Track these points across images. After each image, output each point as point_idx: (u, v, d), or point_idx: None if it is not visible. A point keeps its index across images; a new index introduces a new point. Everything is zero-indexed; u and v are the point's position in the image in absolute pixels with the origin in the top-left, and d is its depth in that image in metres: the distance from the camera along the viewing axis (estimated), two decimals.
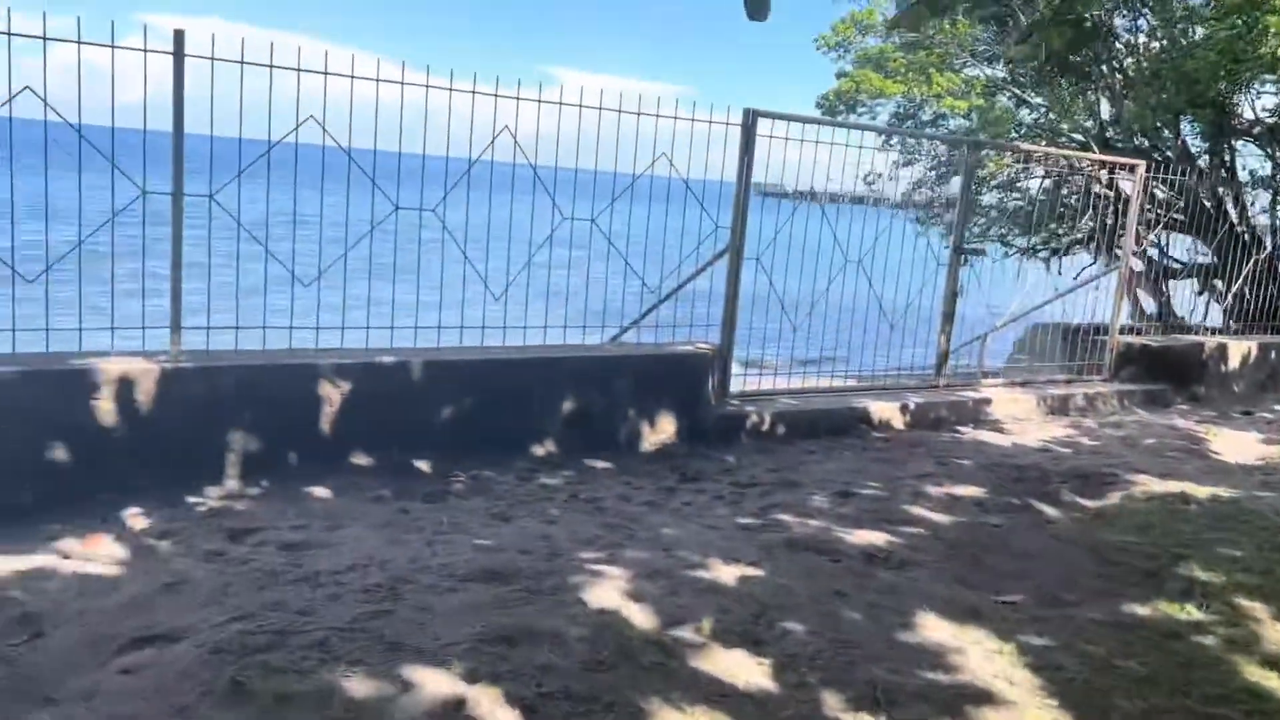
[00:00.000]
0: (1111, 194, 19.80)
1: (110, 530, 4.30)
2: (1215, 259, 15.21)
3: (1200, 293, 15.65)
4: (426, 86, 5.52)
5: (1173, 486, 5.92)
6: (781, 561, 4.20)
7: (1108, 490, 5.87)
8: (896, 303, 7.86)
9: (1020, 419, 7.89)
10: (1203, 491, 5.85)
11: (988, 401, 7.84)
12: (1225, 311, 14.32)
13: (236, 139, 5.12)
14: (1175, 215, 17.92)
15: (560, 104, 5.99)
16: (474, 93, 5.69)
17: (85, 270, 4.96)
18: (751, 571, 4.03)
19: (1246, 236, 14.91)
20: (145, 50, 4.77)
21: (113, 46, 4.72)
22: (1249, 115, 18.39)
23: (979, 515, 5.15)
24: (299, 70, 5.17)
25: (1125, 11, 17.69)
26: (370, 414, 5.37)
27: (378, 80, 5.35)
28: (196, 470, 4.89)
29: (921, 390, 7.84)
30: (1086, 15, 5.42)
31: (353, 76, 5.30)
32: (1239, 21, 13.62)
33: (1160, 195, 18.03)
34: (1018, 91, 18.30)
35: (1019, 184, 21.10)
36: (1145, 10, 16.96)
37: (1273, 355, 9.77)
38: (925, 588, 4.03)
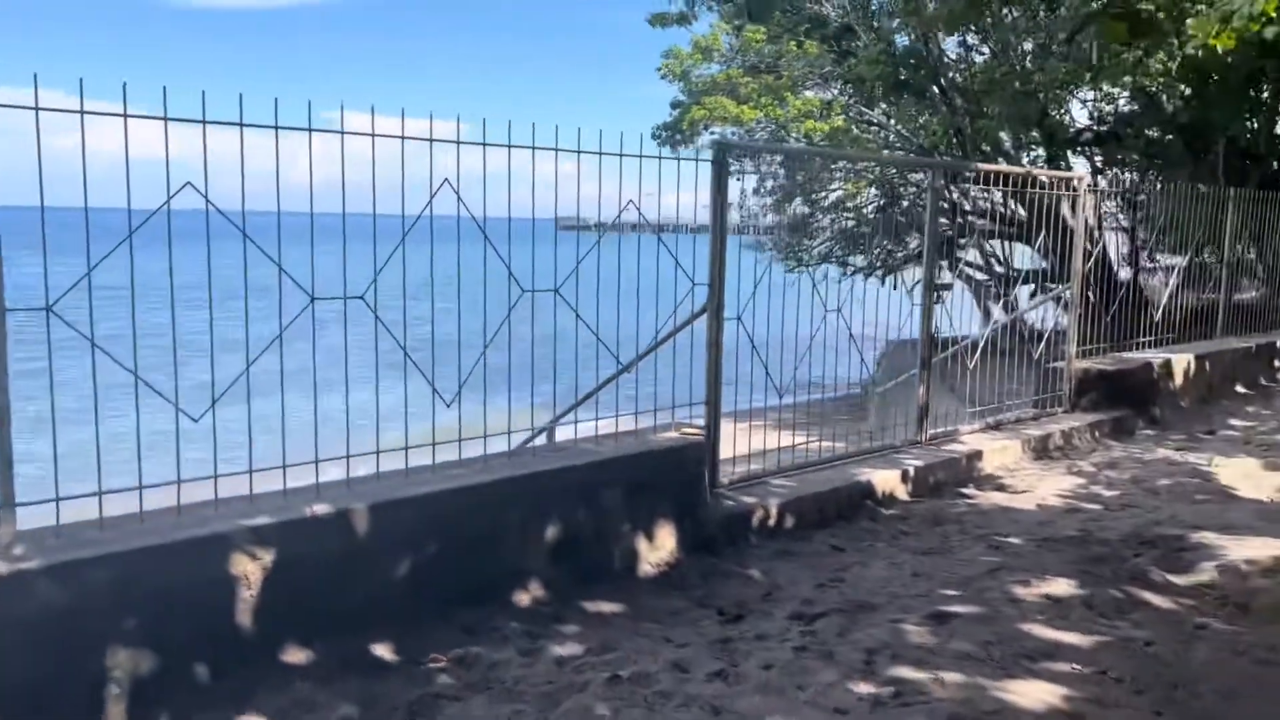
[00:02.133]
0: (946, 207, 19.87)
1: None
2: (1048, 265, 15.30)
3: (1032, 295, 15.71)
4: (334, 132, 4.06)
5: (1257, 549, 5.14)
6: None
7: (1193, 561, 5.03)
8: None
9: (1013, 469, 7.05)
10: None
11: (978, 455, 6.95)
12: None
13: None
14: (1001, 225, 18.18)
15: (510, 147, 4.63)
16: (403, 138, 4.27)
17: None
18: None
19: (1087, 244, 15.05)
20: None
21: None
22: (1081, 123, 18.92)
23: (1111, 628, 4.13)
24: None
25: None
26: (303, 589, 3.82)
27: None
28: None
29: (908, 449, 6.87)
30: (1147, 7, 4.57)
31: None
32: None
33: (982, 205, 18.26)
34: (865, 110, 18.06)
35: (850, 203, 21.06)
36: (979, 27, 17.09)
37: (1207, 366, 9.44)
38: None
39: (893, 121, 17.70)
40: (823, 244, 21.63)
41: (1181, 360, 9.06)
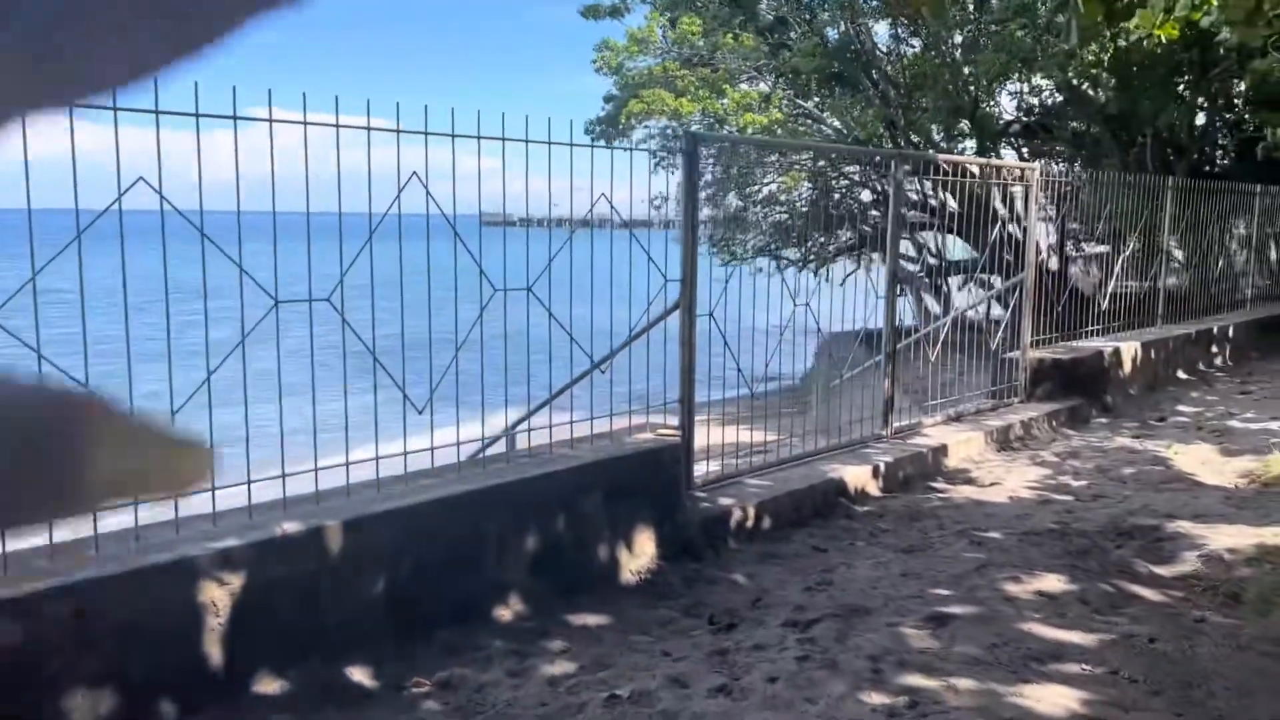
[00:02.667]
0: (877, 199, 20.02)
1: None
2: (980, 255, 15.41)
3: (961, 287, 15.82)
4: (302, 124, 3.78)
5: (1234, 538, 5.15)
6: None
7: (1172, 552, 5.02)
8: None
9: (978, 461, 7.02)
10: (1270, 537, 5.12)
11: (944, 449, 6.90)
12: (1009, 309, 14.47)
13: None
14: (930, 216, 18.29)
15: (479, 138, 4.40)
16: (370, 129, 4.01)
17: None
18: None
19: (1019, 234, 15.22)
20: None
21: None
22: (1008, 115, 19.18)
23: (1110, 624, 4.06)
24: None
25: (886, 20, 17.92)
26: (275, 614, 3.56)
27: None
28: None
29: (874, 443, 6.78)
30: None
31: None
32: (1027, 21, 13.84)
33: (914, 197, 18.36)
34: (800, 103, 18.04)
35: (784, 198, 21.02)
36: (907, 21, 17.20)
37: (1152, 353, 9.57)
38: None
39: (827, 114, 17.72)
40: (756, 237, 21.56)
41: (1129, 348, 9.16)
